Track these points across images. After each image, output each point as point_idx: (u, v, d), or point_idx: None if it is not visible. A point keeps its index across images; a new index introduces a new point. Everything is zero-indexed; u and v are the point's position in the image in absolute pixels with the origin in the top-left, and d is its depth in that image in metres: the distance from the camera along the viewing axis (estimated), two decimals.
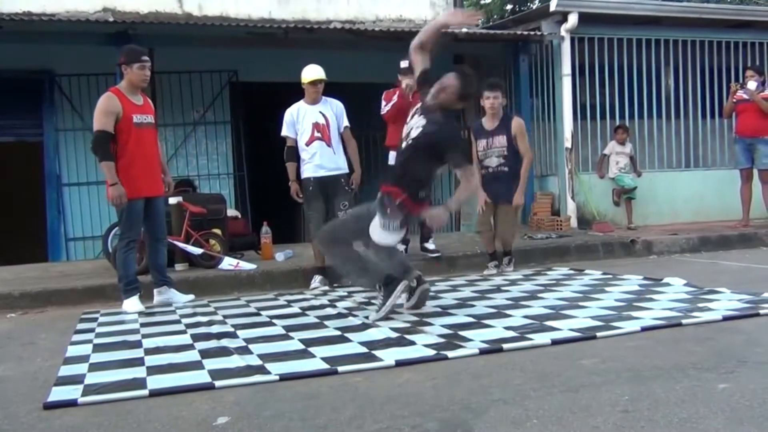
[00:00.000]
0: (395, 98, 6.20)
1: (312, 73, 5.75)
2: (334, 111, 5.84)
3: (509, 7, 24.29)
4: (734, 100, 8.04)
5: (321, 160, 5.72)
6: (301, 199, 5.82)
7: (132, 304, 4.97)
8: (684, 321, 3.73)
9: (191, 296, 5.38)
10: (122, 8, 8.76)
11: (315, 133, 5.72)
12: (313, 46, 7.93)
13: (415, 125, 4.35)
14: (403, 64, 6.17)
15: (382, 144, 6.81)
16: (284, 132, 5.87)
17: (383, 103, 6.36)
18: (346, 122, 5.93)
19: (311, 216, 5.77)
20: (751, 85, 7.80)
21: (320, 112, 5.76)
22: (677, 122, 9.25)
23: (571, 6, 8.42)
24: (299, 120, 5.79)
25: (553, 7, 8.35)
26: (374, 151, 8.89)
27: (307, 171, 5.77)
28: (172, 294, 5.29)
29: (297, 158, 5.85)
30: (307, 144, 5.75)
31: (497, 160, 5.91)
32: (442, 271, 6.34)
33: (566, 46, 8.46)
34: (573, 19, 8.31)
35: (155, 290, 5.25)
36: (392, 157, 6.39)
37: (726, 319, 3.78)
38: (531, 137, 8.67)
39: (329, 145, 5.75)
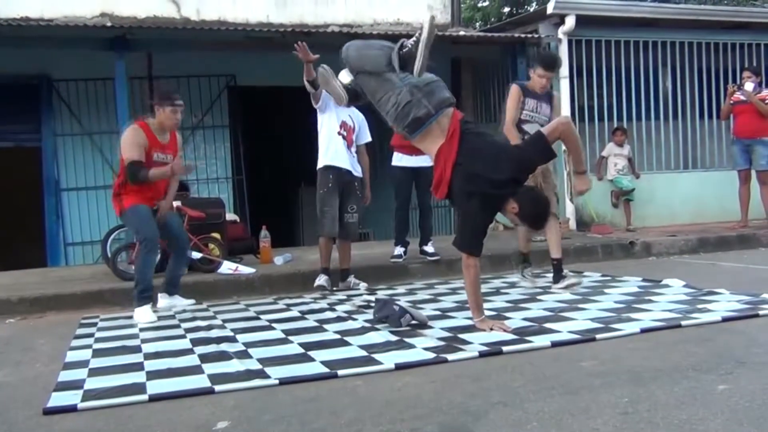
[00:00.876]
0: None
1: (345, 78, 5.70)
2: (358, 121, 5.86)
3: (507, 9, 24.33)
4: (731, 102, 8.05)
5: (343, 155, 5.67)
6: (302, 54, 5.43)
7: (143, 314, 4.80)
8: (683, 322, 3.73)
9: (192, 300, 5.38)
10: (120, 13, 8.76)
11: (342, 130, 5.70)
12: (311, 49, 7.94)
13: None
14: None
15: (381, 146, 6.81)
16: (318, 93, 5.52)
17: None
18: (368, 137, 5.97)
19: (327, 212, 5.65)
20: (748, 86, 7.81)
21: (349, 115, 5.75)
22: (675, 124, 9.26)
23: (568, 8, 8.44)
24: (332, 108, 5.61)
25: (550, 10, 8.37)
26: (371, 154, 8.88)
27: (328, 159, 5.66)
28: (175, 299, 5.30)
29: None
30: (331, 134, 5.69)
31: (537, 126, 5.23)
32: (441, 273, 6.33)
33: (564, 49, 8.47)
34: (570, 22, 8.32)
35: (160, 294, 5.22)
36: (396, 159, 6.41)
37: (725, 320, 3.78)
38: None
39: (349, 147, 5.74)
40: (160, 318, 4.83)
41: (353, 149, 5.80)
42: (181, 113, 5.06)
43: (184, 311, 5.06)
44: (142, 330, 4.41)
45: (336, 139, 5.68)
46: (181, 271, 5.34)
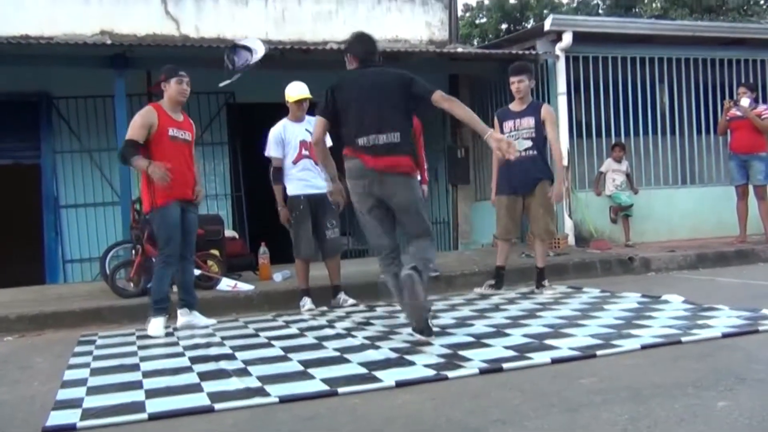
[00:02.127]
0: None
1: (297, 91, 5.74)
2: None
3: (504, 26, 24.49)
4: (728, 118, 8.09)
5: (310, 177, 5.68)
6: (290, 221, 5.71)
7: (155, 327, 4.79)
8: (683, 338, 3.73)
9: (213, 321, 5.24)
10: (119, 31, 8.82)
11: (303, 151, 5.69)
12: (309, 67, 7.98)
13: None
14: None
15: None
16: (271, 152, 5.75)
17: None
18: (329, 141, 5.90)
19: (301, 234, 5.68)
20: (744, 102, 7.85)
21: (306, 130, 5.70)
22: (673, 139, 9.29)
23: (565, 25, 8.49)
24: (287, 138, 5.73)
25: (547, 27, 8.42)
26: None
27: (297, 188, 5.70)
28: (195, 317, 5.16)
29: (282, 180, 5.75)
30: (295, 162, 5.69)
31: (526, 143, 5.59)
32: (440, 290, 6.33)
33: (561, 65, 8.52)
34: (567, 39, 8.37)
35: (179, 311, 5.13)
36: None
37: (725, 336, 3.77)
38: None
39: (316, 163, 5.72)
40: (159, 336, 4.82)
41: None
42: (187, 84, 5.08)
43: (183, 329, 5.02)
44: (140, 348, 4.39)
45: (299, 166, 5.69)
46: (188, 276, 5.21)
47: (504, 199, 5.82)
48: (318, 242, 5.77)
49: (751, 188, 7.96)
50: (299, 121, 5.78)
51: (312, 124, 5.70)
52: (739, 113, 7.92)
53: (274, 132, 5.78)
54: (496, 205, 5.91)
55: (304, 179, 5.70)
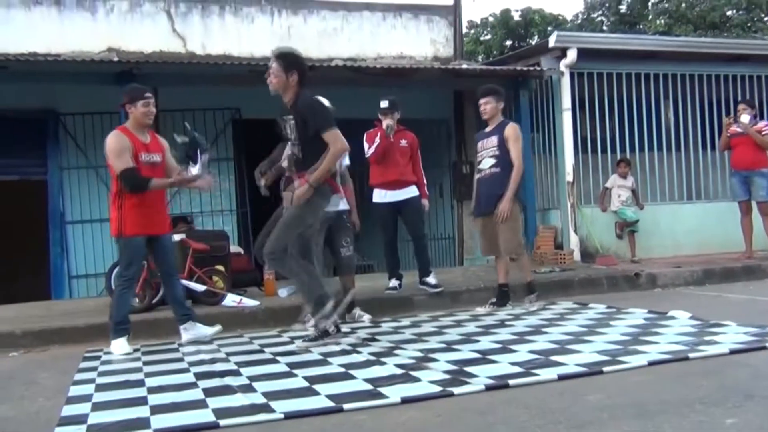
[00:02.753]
0: (378, 140, 6.22)
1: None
2: None
3: (509, 43, 24.59)
4: (728, 134, 8.10)
5: None
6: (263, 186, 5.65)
7: (119, 346, 4.82)
8: (691, 355, 3.71)
9: (218, 327, 5.25)
10: (127, 48, 8.89)
11: None
12: (314, 83, 8.00)
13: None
14: (383, 104, 6.23)
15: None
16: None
17: (366, 145, 6.33)
18: (347, 161, 5.93)
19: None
20: (744, 118, 7.86)
21: None
22: (678, 155, 9.28)
23: (569, 42, 8.52)
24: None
25: (552, 43, 8.45)
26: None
27: None
28: (198, 329, 5.15)
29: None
30: None
31: (489, 161, 5.81)
32: (446, 305, 6.31)
33: (566, 81, 8.54)
34: (572, 55, 8.39)
35: (181, 327, 5.13)
36: (378, 196, 6.41)
37: (733, 352, 3.75)
38: (532, 171, 8.76)
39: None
40: (163, 351, 4.82)
41: (337, 180, 5.75)
42: (153, 105, 5.01)
43: (188, 344, 5.02)
44: (145, 364, 4.38)
45: None
46: (178, 291, 5.23)
47: (479, 220, 6.00)
48: (333, 259, 5.76)
49: (754, 204, 7.94)
50: None
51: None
52: (739, 130, 7.92)
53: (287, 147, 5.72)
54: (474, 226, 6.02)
55: None
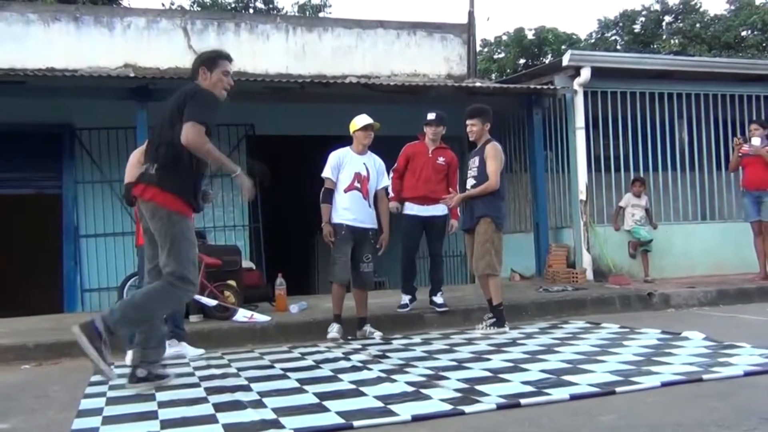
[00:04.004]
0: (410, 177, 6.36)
1: (363, 119, 5.85)
2: (375, 167, 5.88)
3: (522, 61, 24.64)
4: (739, 154, 8.07)
5: (356, 210, 5.71)
6: (332, 240, 5.69)
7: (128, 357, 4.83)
8: (705, 376, 3.67)
9: (201, 351, 5.33)
10: (143, 64, 8.98)
11: (355, 183, 5.74)
12: (329, 100, 8.07)
13: None
14: (430, 116, 6.27)
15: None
16: (327, 173, 5.79)
17: (398, 161, 6.44)
18: (386, 182, 5.99)
19: (338, 258, 5.67)
20: (756, 141, 7.83)
21: (364, 164, 5.79)
22: (692, 174, 9.24)
23: (583, 61, 8.53)
24: (343, 165, 5.77)
25: (565, 62, 8.46)
26: None
27: (341, 217, 5.71)
28: (183, 347, 5.23)
29: (331, 201, 5.78)
30: (346, 191, 5.73)
31: (471, 180, 5.87)
32: (457, 323, 6.29)
33: (579, 100, 8.54)
34: (586, 74, 8.40)
35: (167, 342, 5.15)
36: (407, 208, 6.42)
37: (747, 374, 3.71)
38: (545, 189, 8.75)
39: (365, 197, 5.76)
40: (174, 365, 4.81)
41: (370, 199, 5.81)
42: None
43: (199, 359, 5.03)
44: None
45: (348, 196, 5.73)
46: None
47: (467, 237, 5.99)
48: (353, 272, 5.76)
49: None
50: (361, 153, 5.84)
51: (373, 160, 5.85)
52: (750, 150, 7.88)
53: (335, 155, 5.83)
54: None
55: (350, 210, 5.71)
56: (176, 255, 3.96)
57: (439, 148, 6.44)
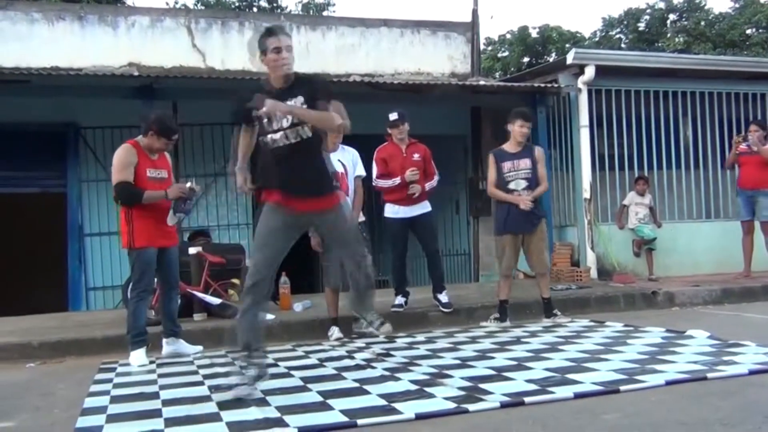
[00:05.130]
0: (398, 180, 6.20)
1: None
2: (351, 159, 5.85)
3: (526, 59, 24.62)
4: (737, 152, 8.07)
5: None
6: (321, 250, 5.68)
7: (137, 358, 4.87)
8: (709, 375, 3.67)
9: (200, 348, 5.33)
10: (147, 63, 8.98)
11: (335, 182, 5.71)
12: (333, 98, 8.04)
13: None
14: (392, 116, 6.24)
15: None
16: None
17: (376, 168, 6.32)
18: (360, 171, 5.90)
19: (328, 265, 5.68)
20: (753, 146, 7.83)
21: (339, 161, 5.73)
22: (696, 173, 9.22)
23: (587, 59, 8.51)
24: None
25: (570, 60, 8.44)
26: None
27: None
28: (180, 345, 5.23)
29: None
30: None
31: (524, 182, 5.93)
32: (461, 322, 6.28)
33: (584, 98, 8.52)
34: (590, 72, 8.37)
35: (164, 340, 5.19)
36: (390, 210, 6.39)
37: (752, 373, 3.70)
38: (550, 188, 8.73)
39: (346, 194, 5.74)
40: (178, 364, 4.83)
41: (350, 194, 5.74)
42: (171, 145, 5.18)
43: (203, 357, 5.03)
44: (160, 376, 4.40)
45: None
46: (173, 306, 5.27)
47: (508, 237, 5.99)
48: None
49: (757, 224, 7.95)
50: (333, 150, 5.78)
51: (347, 153, 5.79)
52: (754, 147, 7.87)
53: None
54: (500, 244, 6.05)
55: None
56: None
57: (411, 144, 6.38)
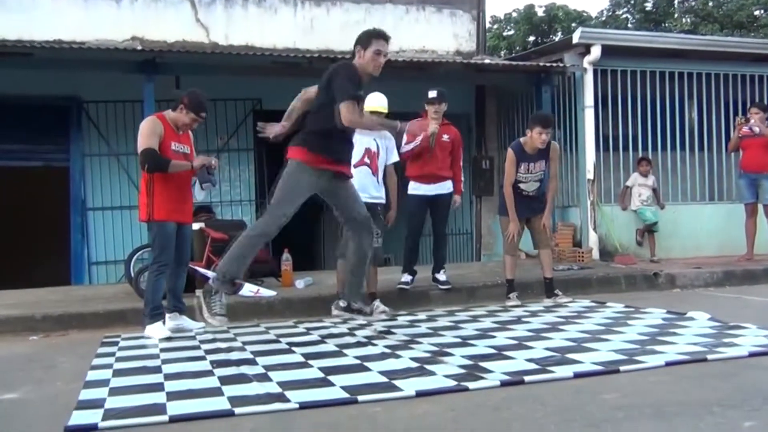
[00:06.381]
0: (418, 140, 6.13)
1: (375, 102, 5.81)
2: (385, 143, 5.87)
3: (532, 38, 24.44)
4: (739, 135, 8.04)
5: (365, 185, 5.63)
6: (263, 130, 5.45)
7: (156, 330, 4.90)
8: (709, 356, 3.68)
9: (202, 324, 5.31)
10: (150, 37, 8.92)
11: (365, 159, 5.73)
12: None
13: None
14: (432, 94, 6.21)
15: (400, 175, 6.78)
16: None
17: (405, 138, 6.31)
18: (395, 158, 5.97)
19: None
20: (755, 128, 7.81)
21: (374, 140, 5.77)
22: (701, 155, 9.19)
23: (593, 38, 8.44)
24: (356, 138, 5.76)
25: (575, 40, 8.38)
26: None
27: None
28: (183, 320, 5.25)
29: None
30: (355, 166, 5.71)
31: (534, 184, 6.02)
32: (462, 300, 6.30)
33: (589, 78, 8.47)
34: (596, 52, 8.31)
35: (167, 315, 5.18)
36: (413, 187, 6.40)
37: (752, 355, 3.71)
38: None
39: (374, 173, 5.75)
40: (180, 339, 4.86)
41: (379, 175, 5.81)
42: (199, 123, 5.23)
43: (205, 332, 5.06)
44: (162, 351, 4.42)
45: (357, 171, 5.66)
46: (180, 283, 5.29)
47: (518, 221, 6.08)
48: None
49: (761, 207, 7.97)
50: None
51: (384, 136, 5.84)
52: (756, 129, 7.84)
53: None
54: (510, 227, 6.06)
55: (358, 185, 5.68)
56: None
57: (443, 125, 6.38)
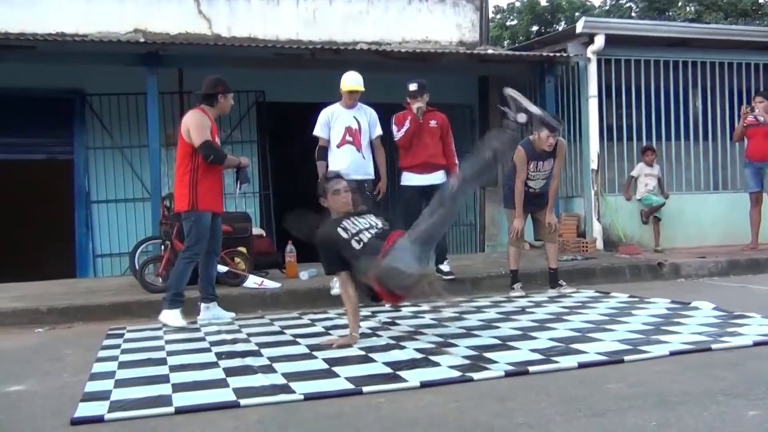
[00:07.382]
0: (408, 123, 6.17)
1: (350, 81, 5.90)
2: (367, 118, 5.98)
3: (535, 28, 24.35)
4: (744, 124, 8.02)
5: (349, 163, 5.76)
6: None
7: (173, 317, 4.95)
8: (713, 346, 3.67)
9: (233, 314, 5.37)
10: (153, 29, 8.92)
11: (347, 137, 5.82)
12: (339, 67, 7.97)
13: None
14: (412, 86, 6.19)
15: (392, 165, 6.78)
16: (317, 132, 6.00)
17: (395, 128, 6.30)
18: (379, 131, 6.07)
19: None
20: (760, 116, 7.79)
21: (354, 117, 5.89)
22: (705, 144, 9.16)
23: (597, 28, 8.41)
24: (333, 122, 5.93)
25: (579, 29, 8.35)
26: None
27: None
28: (218, 311, 5.30)
29: (326, 158, 5.97)
30: (338, 146, 5.85)
31: (541, 182, 6.04)
32: (466, 291, 6.30)
33: (593, 68, 8.44)
34: (600, 41, 8.29)
35: (203, 305, 5.25)
36: (406, 178, 6.38)
37: (756, 344, 3.71)
38: None
39: (359, 150, 5.86)
40: (184, 330, 4.87)
41: (364, 150, 5.92)
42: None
43: (210, 324, 5.07)
44: (167, 342, 4.43)
45: (340, 151, 5.85)
46: (213, 272, 5.38)
47: (524, 216, 6.16)
48: None
49: (766, 196, 7.98)
50: (350, 108, 5.96)
51: (363, 112, 5.93)
52: (760, 118, 7.82)
53: (324, 113, 6.02)
54: (515, 223, 6.06)
55: (343, 165, 5.72)
56: None
57: (429, 112, 6.35)
